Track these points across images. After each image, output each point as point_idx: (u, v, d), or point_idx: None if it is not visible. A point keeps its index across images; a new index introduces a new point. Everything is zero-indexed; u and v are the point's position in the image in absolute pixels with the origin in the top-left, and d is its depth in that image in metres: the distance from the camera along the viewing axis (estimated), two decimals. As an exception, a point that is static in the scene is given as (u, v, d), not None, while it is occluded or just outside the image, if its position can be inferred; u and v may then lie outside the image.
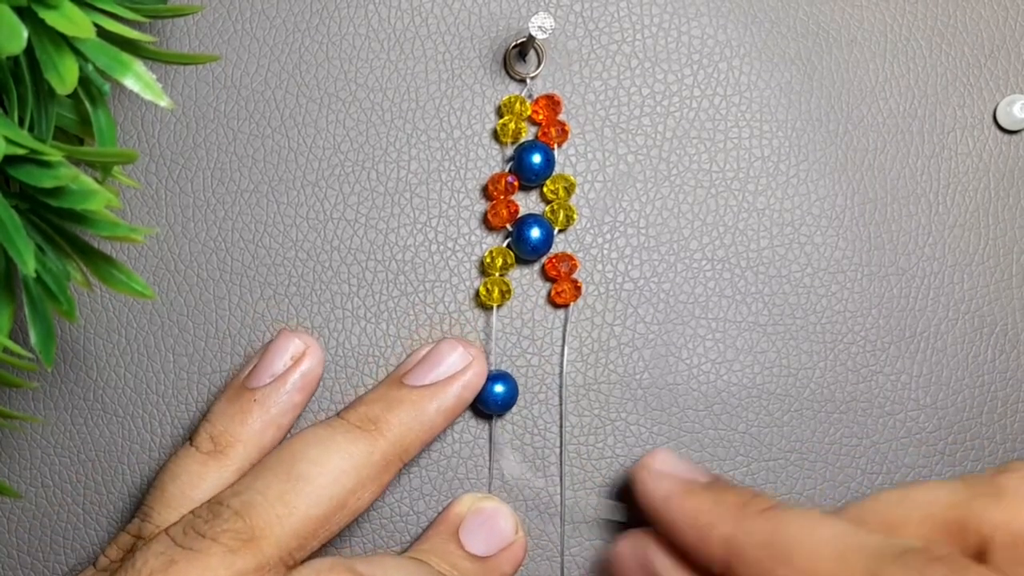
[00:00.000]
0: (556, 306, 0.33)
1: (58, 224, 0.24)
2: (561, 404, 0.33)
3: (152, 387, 0.32)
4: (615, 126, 0.33)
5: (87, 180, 0.22)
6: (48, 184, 0.21)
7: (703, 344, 0.33)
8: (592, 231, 0.33)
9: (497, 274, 0.32)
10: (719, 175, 0.33)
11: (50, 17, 0.21)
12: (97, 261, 0.24)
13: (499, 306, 0.32)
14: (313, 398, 0.32)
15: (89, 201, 0.22)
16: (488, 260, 0.32)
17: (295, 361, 0.31)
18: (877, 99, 0.33)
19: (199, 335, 0.32)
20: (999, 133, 0.33)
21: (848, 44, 0.33)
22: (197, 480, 0.29)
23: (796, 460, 0.33)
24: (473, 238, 0.33)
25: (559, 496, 0.33)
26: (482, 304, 0.32)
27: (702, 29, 0.33)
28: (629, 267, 0.33)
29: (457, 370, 0.31)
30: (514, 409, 0.33)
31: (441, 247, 0.33)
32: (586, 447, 0.33)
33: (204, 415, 0.31)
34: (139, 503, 0.31)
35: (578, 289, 0.32)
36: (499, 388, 0.32)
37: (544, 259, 0.32)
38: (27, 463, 0.32)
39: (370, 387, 0.32)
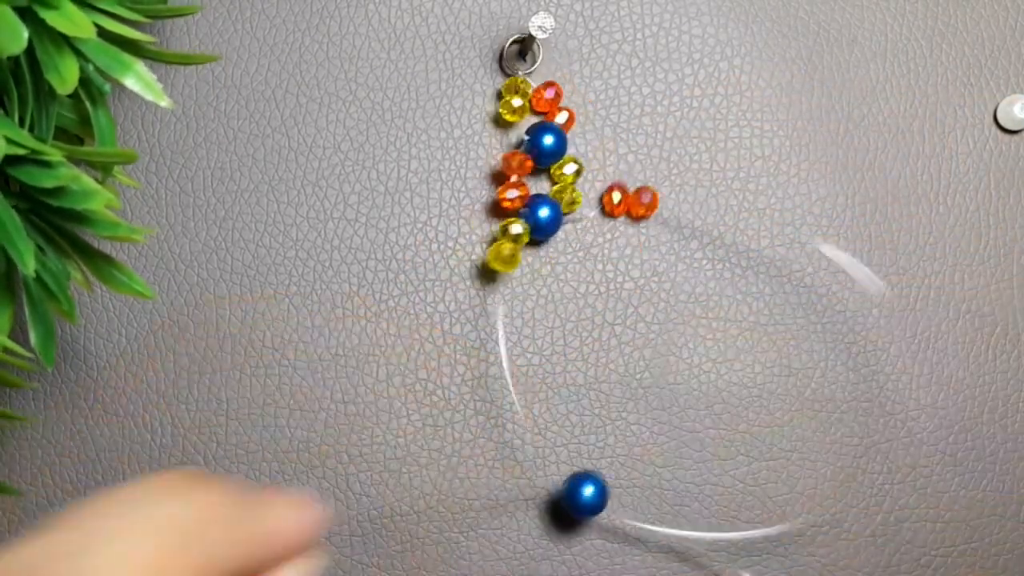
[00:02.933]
0: (635, 219, 0.33)
1: (58, 224, 0.23)
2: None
3: (152, 387, 0.32)
4: (615, 125, 0.33)
5: (87, 180, 0.22)
6: (48, 184, 0.21)
7: (704, 344, 0.33)
8: (593, 230, 0.33)
9: (511, 242, 0.31)
10: (720, 175, 0.33)
11: (51, 17, 0.21)
12: (97, 261, 0.24)
13: (503, 272, 0.32)
14: (316, 398, 0.32)
15: (89, 201, 0.22)
16: (502, 227, 0.31)
17: None
18: (878, 99, 0.33)
19: (199, 335, 0.32)
20: (999, 133, 0.33)
21: (849, 44, 0.33)
22: None
23: (797, 460, 0.33)
24: (474, 237, 0.33)
25: (559, 496, 0.33)
26: (486, 269, 0.32)
27: (703, 28, 0.33)
28: (629, 266, 0.33)
29: None
30: (515, 408, 0.33)
31: (441, 246, 0.33)
32: (587, 447, 0.33)
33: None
34: None
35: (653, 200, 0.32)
36: (588, 491, 0.31)
37: (603, 193, 0.32)
38: (27, 463, 0.32)
39: (370, 387, 0.32)
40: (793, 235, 0.33)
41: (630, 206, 0.32)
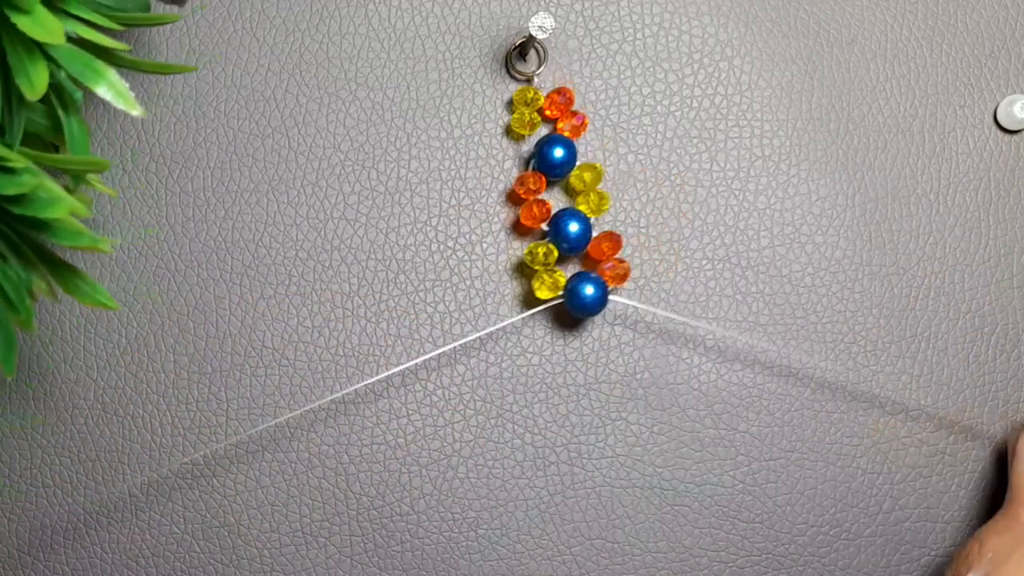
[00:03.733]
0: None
1: (23, 232, 0.23)
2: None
3: (152, 387, 0.32)
4: (615, 125, 0.33)
5: (53, 188, 0.21)
6: (11, 191, 0.21)
7: (704, 343, 0.33)
8: (593, 232, 0.33)
9: (542, 268, 0.31)
10: (720, 174, 0.33)
11: (21, 22, 0.21)
12: (61, 271, 0.23)
13: (554, 298, 0.32)
14: (316, 399, 0.32)
15: (52, 209, 0.21)
16: (528, 257, 0.31)
17: None
18: (878, 99, 0.33)
19: (199, 335, 0.32)
20: (999, 133, 0.33)
21: (849, 44, 0.33)
22: None
23: (796, 460, 0.33)
24: (473, 237, 0.33)
25: (559, 496, 0.33)
26: (535, 300, 0.32)
27: (703, 28, 0.33)
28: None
29: None
30: (515, 408, 0.33)
31: (441, 246, 0.33)
32: (587, 446, 0.33)
33: None
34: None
35: (626, 272, 0.32)
36: (589, 290, 0.31)
37: (587, 248, 0.32)
38: (28, 463, 0.32)
39: (370, 387, 0.32)
40: (793, 235, 0.33)
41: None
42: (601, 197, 0.32)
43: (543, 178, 0.31)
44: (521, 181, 0.31)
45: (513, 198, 0.33)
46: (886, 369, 0.33)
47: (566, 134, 0.32)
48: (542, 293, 0.31)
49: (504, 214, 0.33)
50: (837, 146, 0.33)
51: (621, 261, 0.31)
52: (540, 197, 0.32)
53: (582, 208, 0.32)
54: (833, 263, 0.33)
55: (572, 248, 0.31)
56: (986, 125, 0.33)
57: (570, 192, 0.32)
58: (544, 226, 0.32)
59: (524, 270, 0.33)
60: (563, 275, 0.31)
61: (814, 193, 0.33)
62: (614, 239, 0.31)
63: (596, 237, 0.32)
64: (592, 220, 0.32)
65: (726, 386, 0.33)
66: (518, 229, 0.33)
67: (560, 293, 0.31)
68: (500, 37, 0.33)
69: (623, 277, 0.31)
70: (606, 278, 0.31)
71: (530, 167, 0.32)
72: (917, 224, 0.33)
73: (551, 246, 0.31)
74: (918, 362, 0.33)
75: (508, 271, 0.33)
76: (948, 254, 0.33)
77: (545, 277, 0.31)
